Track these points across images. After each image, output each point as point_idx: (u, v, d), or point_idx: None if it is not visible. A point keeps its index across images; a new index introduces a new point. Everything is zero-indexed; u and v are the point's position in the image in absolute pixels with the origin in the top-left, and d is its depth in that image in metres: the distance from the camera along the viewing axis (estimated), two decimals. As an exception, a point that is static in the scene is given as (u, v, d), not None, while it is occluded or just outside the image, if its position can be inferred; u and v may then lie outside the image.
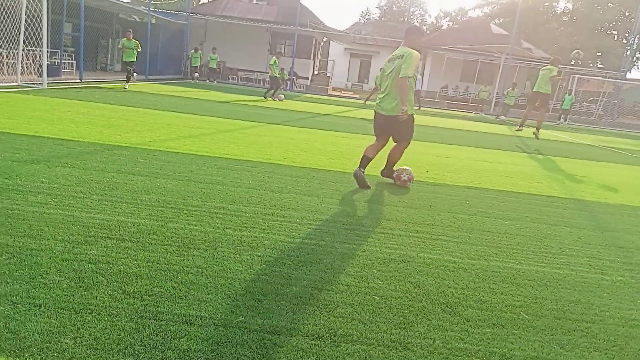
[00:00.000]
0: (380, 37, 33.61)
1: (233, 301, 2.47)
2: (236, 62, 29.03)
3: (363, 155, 5.37)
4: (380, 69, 5.88)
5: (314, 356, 2.09)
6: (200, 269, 2.79)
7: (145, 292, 2.47)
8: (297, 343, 2.17)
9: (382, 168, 5.88)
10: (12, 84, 11.63)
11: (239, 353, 2.04)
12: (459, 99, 32.02)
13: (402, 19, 46.81)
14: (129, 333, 2.10)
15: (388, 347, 2.24)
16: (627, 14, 42.30)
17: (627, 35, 38.88)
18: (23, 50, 11.97)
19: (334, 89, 33.41)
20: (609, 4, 42.11)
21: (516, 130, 13.43)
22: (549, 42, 41.86)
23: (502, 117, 22.40)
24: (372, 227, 3.94)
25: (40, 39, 11.50)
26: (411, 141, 5.69)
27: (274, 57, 18.17)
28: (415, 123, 5.55)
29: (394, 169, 5.78)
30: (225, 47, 27.97)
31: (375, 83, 11.30)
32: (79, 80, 15.34)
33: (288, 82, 26.80)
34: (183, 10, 27.37)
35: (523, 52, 29.94)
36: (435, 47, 31.62)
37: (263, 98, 17.50)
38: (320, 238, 3.55)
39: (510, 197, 5.64)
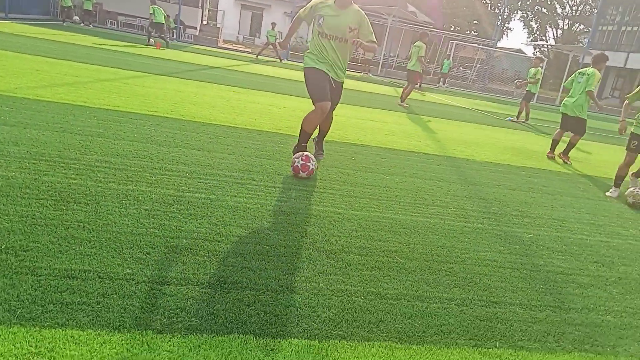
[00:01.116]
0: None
1: (119, 254, 2.43)
2: (115, 5, 26.57)
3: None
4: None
5: (203, 302, 2.15)
6: (82, 223, 2.67)
7: (20, 247, 2.32)
8: (186, 292, 2.21)
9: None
10: None
11: (127, 304, 2.04)
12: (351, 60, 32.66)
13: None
14: (2, 289, 1.98)
15: (276, 291, 2.37)
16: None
17: (499, 5, 42.26)
18: None
19: (225, 42, 32.19)
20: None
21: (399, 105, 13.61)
22: (431, 8, 44.00)
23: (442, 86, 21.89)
24: (263, 182, 4.02)
25: None
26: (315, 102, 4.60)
27: (152, 5, 17.13)
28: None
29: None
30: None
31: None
32: None
33: (174, 30, 25.30)
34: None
35: (408, 16, 31.20)
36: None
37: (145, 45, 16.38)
38: (211, 192, 3.54)
39: (391, 154, 6.03)
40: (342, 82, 4.72)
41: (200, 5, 30.92)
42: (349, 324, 2.22)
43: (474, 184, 5.24)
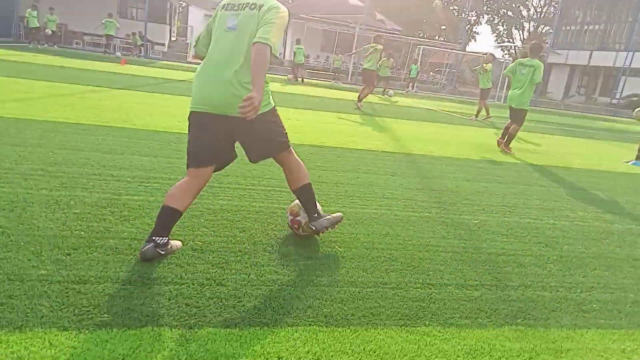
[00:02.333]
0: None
1: (36, 257, 2.33)
2: (81, 25, 26.25)
3: None
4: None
5: (120, 299, 2.08)
6: (1, 229, 2.57)
7: None
8: (103, 289, 2.14)
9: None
10: None
11: (34, 304, 1.95)
12: (319, 68, 32.86)
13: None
14: None
15: (202, 284, 2.30)
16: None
17: (465, 10, 43.14)
18: None
19: (195, 57, 32.03)
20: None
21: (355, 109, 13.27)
22: (400, 15, 44.65)
23: (390, 92, 19.52)
24: (209, 182, 3.94)
25: None
26: None
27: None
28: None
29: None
30: (67, 9, 25.03)
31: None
32: None
33: (142, 48, 25.11)
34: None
35: (376, 24, 31.62)
36: (295, 15, 31.91)
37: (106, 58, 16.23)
38: (150, 194, 3.47)
39: (348, 153, 6.02)
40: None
41: (168, 21, 30.85)
42: (275, 311, 2.17)
43: (428, 177, 5.26)
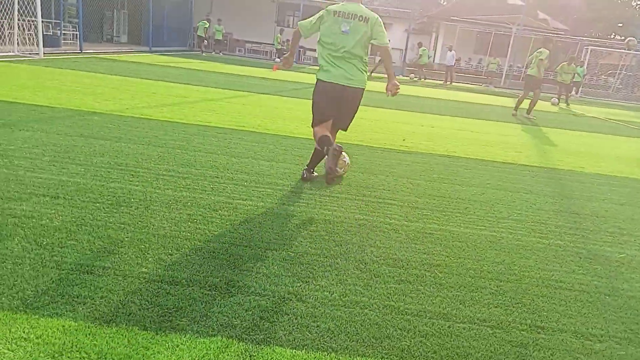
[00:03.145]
0: (393, 9, 32.91)
1: (143, 254, 2.53)
2: (243, 33, 28.80)
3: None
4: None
5: (202, 304, 2.14)
6: (122, 225, 2.85)
7: (59, 244, 2.54)
8: (190, 292, 2.22)
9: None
10: (9, 53, 11.76)
11: (128, 300, 2.10)
12: (471, 71, 31.38)
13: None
14: (26, 279, 2.17)
15: (282, 298, 2.27)
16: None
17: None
18: (19, 19, 12.02)
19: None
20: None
21: (512, 115, 12.32)
22: (568, 13, 40.48)
23: (554, 100, 16.67)
24: (318, 191, 3.95)
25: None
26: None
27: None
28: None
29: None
30: (232, 19, 27.70)
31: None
32: (79, 51, 15.40)
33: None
34: (188, -20, 27.10)
35: (537, 23, 29.08)
36: (446, 18, 30.92)
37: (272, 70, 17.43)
38: (260, 199, 3.57)
39: (480, 165, 5.58)
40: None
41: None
42: (349, 336, 2.04)
43: (570, 198, 4.61)
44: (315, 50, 21.12)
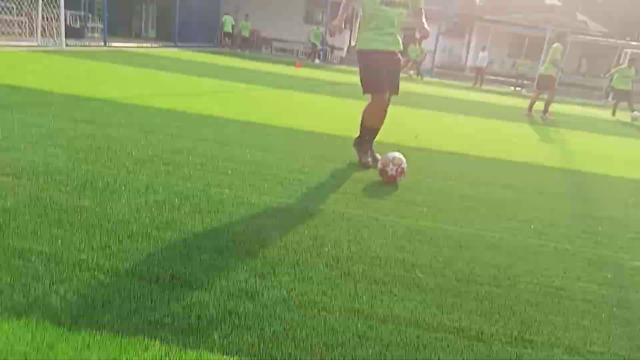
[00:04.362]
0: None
1: (88, 240, 2.30)
2: (271, 31, 28.57)
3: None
4: None
5: (121, 299, 1.89)
6: (79, 208, 2.63)
7: (1, 225, 2.33)
8: (115, 282, 1.97)
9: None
10: (32, 43, 11.89)
11: (51, 290, 1.87)
12: (504, 74, 30.34)
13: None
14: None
15: (232, 295, 2.00)
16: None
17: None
18: (43, 11, 12.14)
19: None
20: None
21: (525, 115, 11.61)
22: (609, 16, 38.89)
23: (636, 114, 13.08)
24: (305, 182, 3.67)
25: (60, -1, 11.66)
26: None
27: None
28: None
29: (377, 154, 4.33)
30: (260, 15, 27.48)
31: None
32: (103, 44, 15.52)
33: (321, 52, 26.21)
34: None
35: (575, 25, 28.04)
36: (479, 17, 30.15)
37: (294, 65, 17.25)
38: (240, 189, 3.32)
39: (492, 164, 5.20)
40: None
41: (349, 27, 31.77)
42: (295, 343, 1.75)
43: (589, 200, 4.20)
44: (342, 49, 20.69)
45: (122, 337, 1.66)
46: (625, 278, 2.65)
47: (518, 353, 1.85)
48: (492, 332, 1.97)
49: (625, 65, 13.46)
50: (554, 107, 10.83)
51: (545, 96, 10.62)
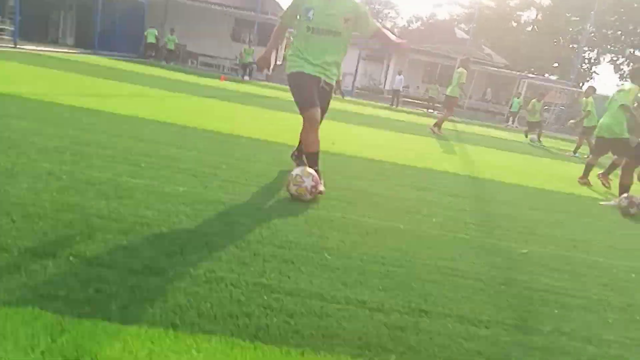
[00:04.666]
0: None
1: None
2: (197, 46, 28.06)
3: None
4: None
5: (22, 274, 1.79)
6: None
7: None
8: (15, 260, 1.87)
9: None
10: None
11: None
12: (419, 97, 31.96)
13: (377, 20, 46.70)
14: None
15: (135, 271, 1.96)
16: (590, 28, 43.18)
17: (585, 48, 39.87)
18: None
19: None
20: (572, 17, 42.88)
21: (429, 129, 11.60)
22: (512, 50, 42.45)
23: (534, 137, 14.59)
24: (244, 179, 3.67)
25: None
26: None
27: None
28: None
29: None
30: (187, 31, 26.89)
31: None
32: (13, 46, 14.50)
33: (248, 69, 25.97)
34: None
35: (481, 56, 30.30)
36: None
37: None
38: (152, 179, 3.24)
39: (403, 169, 5.46)
40: (333, 86, 3.89)
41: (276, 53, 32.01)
42: (199, 313, 1.75)
43: (488, 201, 4.54)
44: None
45: (8, 308, 1.57)
46: (513, 262, 2.90)
47: (415, 322, 1.97)
48: (392, 305, 2.08)
49: (535, 99, 14.69)
50: (461, 127, 11.62)
51: (445, 112, 11.37)
